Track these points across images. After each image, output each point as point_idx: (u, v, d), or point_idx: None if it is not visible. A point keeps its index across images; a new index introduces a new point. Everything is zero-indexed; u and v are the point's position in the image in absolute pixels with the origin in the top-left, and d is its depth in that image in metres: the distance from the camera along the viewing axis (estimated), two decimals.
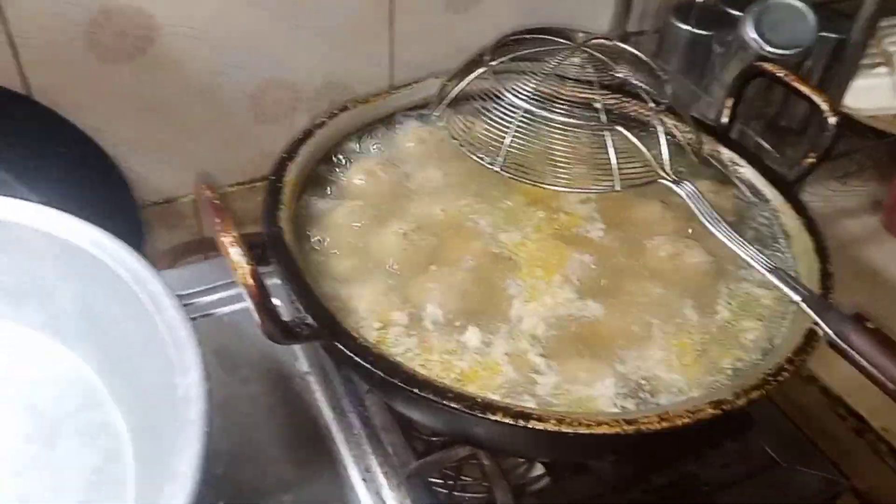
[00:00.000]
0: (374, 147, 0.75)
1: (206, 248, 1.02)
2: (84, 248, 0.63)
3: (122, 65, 0.83)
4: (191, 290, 0.79)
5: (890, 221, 1.06)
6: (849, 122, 1.05)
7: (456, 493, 0.67)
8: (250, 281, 0.47)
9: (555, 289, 0.62)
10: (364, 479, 0.65)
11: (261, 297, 0.48)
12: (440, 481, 0.67)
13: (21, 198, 0.79)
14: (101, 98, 0.85)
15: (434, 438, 0.69)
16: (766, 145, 0.95)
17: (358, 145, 0.75)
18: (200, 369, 0.55)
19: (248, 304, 0.48)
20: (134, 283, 0.61)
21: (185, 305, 0.57)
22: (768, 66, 0.72)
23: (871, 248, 0.98)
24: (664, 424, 0.49)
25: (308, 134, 0.70)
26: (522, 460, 0.71)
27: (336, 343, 0.52)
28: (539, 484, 0.68)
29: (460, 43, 0.99)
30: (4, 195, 0.74)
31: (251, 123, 0.95)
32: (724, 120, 0.77)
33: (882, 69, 1.07)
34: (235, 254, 0.48)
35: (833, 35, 0.98)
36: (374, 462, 0.66)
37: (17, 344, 0.66)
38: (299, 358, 0.74)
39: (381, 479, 0.65)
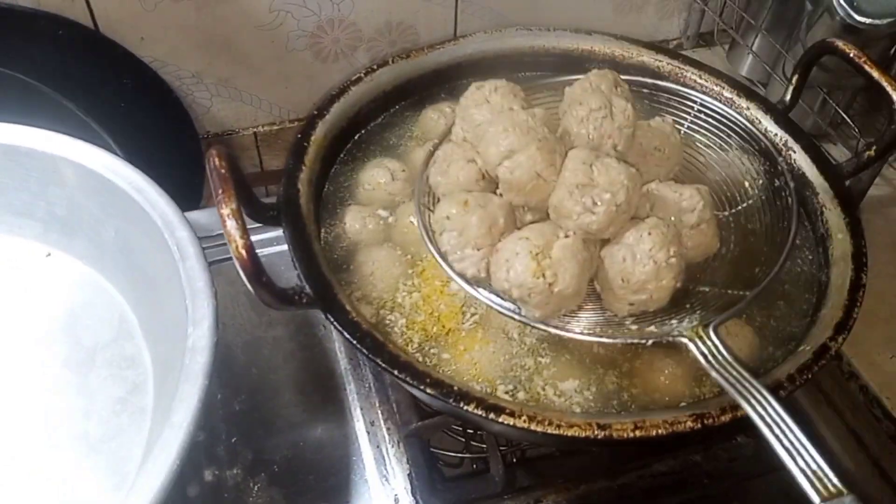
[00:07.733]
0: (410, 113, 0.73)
1: (267, 180, 1.05)
2: (124, 190, 0.67)
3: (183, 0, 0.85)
4: None
5: None
6: None
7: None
8: (243, 253, 0.49)
9: None
10: (368, 432, 0.68)
11: (253, 268, 0.49)
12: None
13: (84, 127, 0.84)
14: (164, 33, 0.87)
15: None
16: (848, 119, 0.87)
17: (394, 107, 0.73)
18: (211, 321, 0.58)
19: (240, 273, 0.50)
20: (164, 228, 0.64)
21: (220, 246, 0.57)
22: (839, 44, 0.65)
23: None
24: (638, 433, 0.49)
25: (343, 90, 0.68)
26: None
27: (328, 316, 0.53)
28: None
29: None
30: (69, 124, 0.78)
31: (311, 61, 0.95)
32: (787, 97, 0.71)
33: None
34: (231, 227, 0.49)
35: None
36: (379, 416, 0.68)
37: (68, 274, 0.72)
38: None
39: (384, 434, 0.68)
